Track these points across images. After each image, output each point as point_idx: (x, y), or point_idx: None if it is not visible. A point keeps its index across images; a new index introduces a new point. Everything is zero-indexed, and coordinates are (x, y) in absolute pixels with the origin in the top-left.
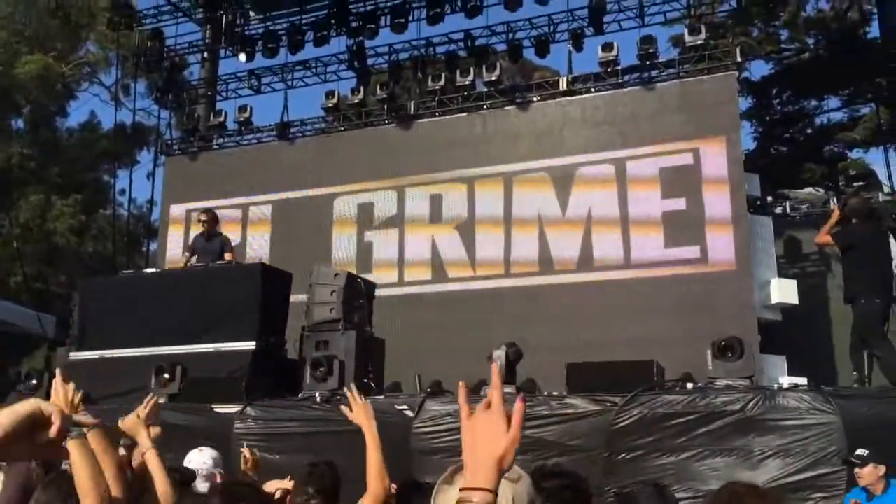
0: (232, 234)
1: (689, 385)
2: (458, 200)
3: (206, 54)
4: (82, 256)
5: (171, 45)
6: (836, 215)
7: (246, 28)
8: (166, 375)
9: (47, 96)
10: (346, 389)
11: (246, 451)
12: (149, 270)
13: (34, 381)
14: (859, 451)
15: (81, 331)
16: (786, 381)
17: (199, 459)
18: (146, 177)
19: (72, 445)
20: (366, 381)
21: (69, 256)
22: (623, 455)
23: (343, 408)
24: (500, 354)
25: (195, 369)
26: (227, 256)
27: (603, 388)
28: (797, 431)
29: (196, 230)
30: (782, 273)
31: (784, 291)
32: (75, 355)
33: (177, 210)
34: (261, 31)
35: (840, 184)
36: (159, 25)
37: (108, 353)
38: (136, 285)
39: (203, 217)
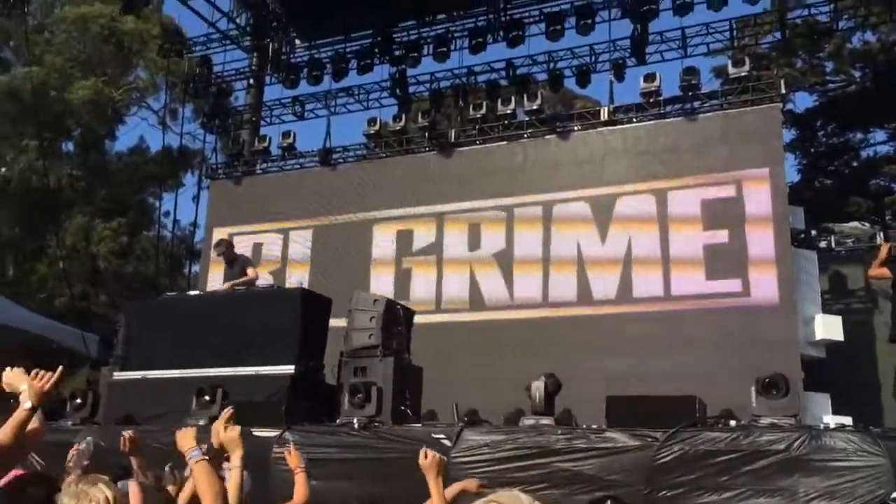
0: (273, 258)
1: (732, 422)
2: (497, 230)
3: (251, 81)
4: (125, 278)
5: (218, 71)
6: (885, 250)
7: (292, 56)
8: (207, 397)
9: (98, 120)
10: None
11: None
12: (192, 293)
13: (78, 401)
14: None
15: (125, 351)
16: (830, 419)
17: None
18: (191, 200)
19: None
20: (403, 408)
21: (111, 277)
22: (664, 492)
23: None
24: (538, 385)
25: (235, 392)
26: (249, 272)
27: (643, 422)
28: (844, 473)
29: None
30: (827, 309)
31: (829, 328)
32: (119, 375)
33: (220, 233)
34: (306, 58)
35: (886, 218)
36: (208, 53)
37: (150, 374)
38: (179, 307)
39: (218, 250)
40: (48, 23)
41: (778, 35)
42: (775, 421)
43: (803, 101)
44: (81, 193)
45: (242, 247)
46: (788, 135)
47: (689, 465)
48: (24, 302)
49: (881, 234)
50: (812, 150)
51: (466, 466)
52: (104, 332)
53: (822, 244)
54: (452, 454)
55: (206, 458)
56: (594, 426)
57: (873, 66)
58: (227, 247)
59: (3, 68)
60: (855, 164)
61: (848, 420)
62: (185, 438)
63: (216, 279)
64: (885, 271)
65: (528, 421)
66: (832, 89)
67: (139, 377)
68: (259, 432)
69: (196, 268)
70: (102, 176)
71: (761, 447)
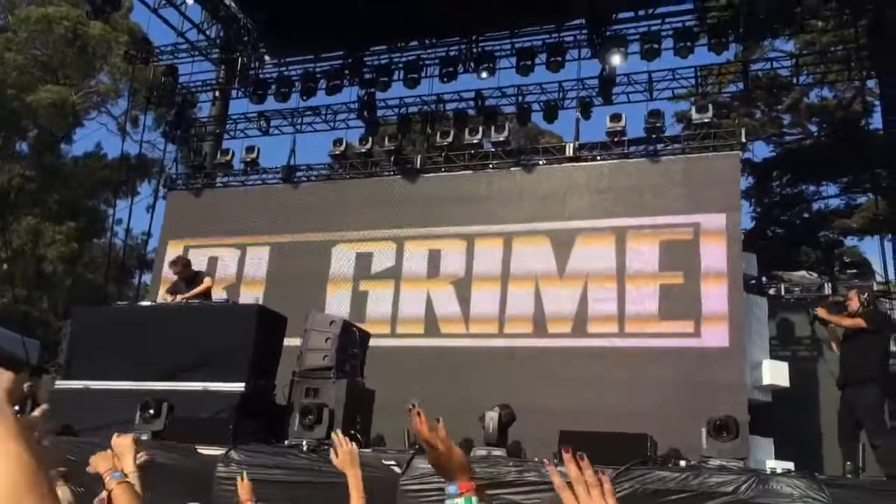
0: (228, 273)
1: (682, 462)
2: (456, 257)
3: (217, 93)
4: (73, 285)
5: (184, 81)
6: (855, 300)
7: (260, 71)
8: (151, 411)
9: (56, 123)
10: (333, 434)
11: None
12: (144, 303)
13: (17, 408)
14: None
15: (69, 359)
16: (773, 464)
17: None
18: (145, 209)
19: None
20: (353, 432)
21: (57, 283)
22: None
23: (331, 453)
24: (492, 416)
25: (181, 407)
26: (206, 281)
27: (595, 458)
28: None
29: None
30: (774, 354)
31: (776, 373)
32: (61, 384)
33: (175, 245)
34: (275, 75)
35: (835, 269)
36: (175, 62)
37: (93, 385)
38: (129, 317)
39: (175, 269)
40: (10, 22)
41: (740, 85)
42: (724, 463)
43: (761, 151)
44: (31, 195)
45: (197, 260)
46: (745, 182)
47: (639, 503)
48: None
49: (829, 285)
50: (766, 199)
51: (416, 495)
52: (46, 339)
53: (772, 291)
54: (402, 481)
55: (127, 479)
56: (545, 460)
57: (829, 121)
58: (183, 265)
59: None
60: (806, 215)
61: (790, 465)
62: (103, 460)
63: (170, 278)
64: (860, 321)
65: (481, 451)
66: (789, 142)
67: (82, 387)
68: (204, 450)
69: (147, 278)
70: (55, 179)
71: (710, 488)
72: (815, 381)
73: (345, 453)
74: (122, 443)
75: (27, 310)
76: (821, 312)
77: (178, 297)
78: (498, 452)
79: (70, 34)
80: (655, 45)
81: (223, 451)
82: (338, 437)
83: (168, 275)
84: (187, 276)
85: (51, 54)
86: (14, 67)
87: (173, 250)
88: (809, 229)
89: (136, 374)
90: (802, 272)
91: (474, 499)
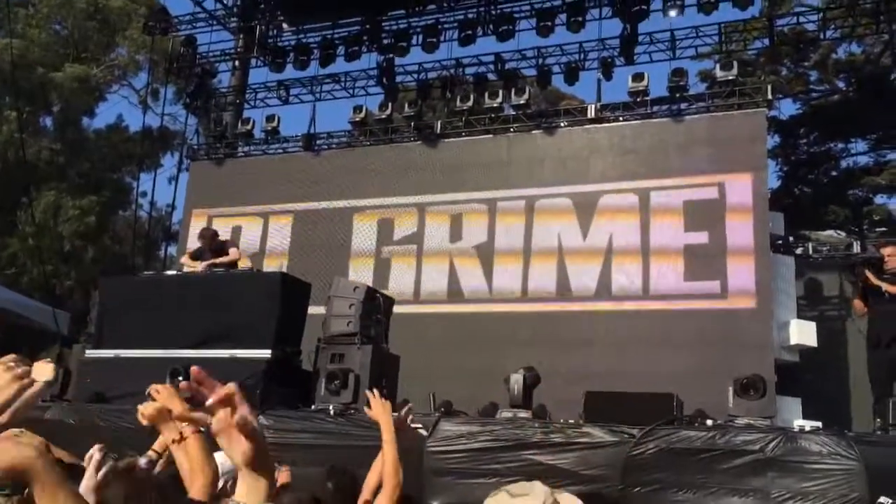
0: (251, 242)
1: (709, 421)
2: (478, 222)
3: (237, 63)
4: (96, 258)
5: (203, 52)
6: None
7: (279, 39)
8: (180, 378)
9: (80, 97)
10: (367, 392)
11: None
12: (169, 272)
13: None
14: (882, 500)
15: (98, 329)
16: (800, 423)
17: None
18: (168, 181)
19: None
20: None
21: (79, 257)
22: (638, 489)
23: (365, 407)
24: (517, 378)
25: (209, 374)
26: (232, 252)
27: (620, 418)
28: (818, 475)
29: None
30: (801, 314)
31: (803, 333)
32: (91, 353)
33: (199, 215)
34: (293, 42)
35: (864, 228)
36: (193, 32)
37: (123, 353)
38: (155, 287)
39: (203, 242)
40: None
41: (765, 42)
42: (751, 421)
43: (787, 109)
44: (57, 168)
45: (222, 230)
46: (771, 141)
47: (664, 462)
48: None
49: (857, 244)
50: (793, 157)
51: (442, 456)
52: (74, 310)
53: (799, 251)
54: (428, 443)
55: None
56: (571, 421)
57: (857, 76)
58: (211, 236)
59: None
60: (834, 173)
61: (818, 424)
62: (163, 412)
63: (195, 247)
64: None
65: (506, 413)
66: (815, 98)
67: (112, 356)
68: None
69: (172, 250)
70: (79, 152)
71: (737, 447)
72: (844, 340)
73: (378, 405)
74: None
75: (55, 283)
76: (871, 278)
77: (202, 264)
78: (523, 414)
79: (91, 7)
80: (679, 2)
81: None
82: (371, 392)
83: (193, 245)
84: (214, 247)
85: (71, 29)
86: (37, 44)
87: (198, 220)
88: (837, 187)
89: (163, 342)
90: (830, 231)
91: None
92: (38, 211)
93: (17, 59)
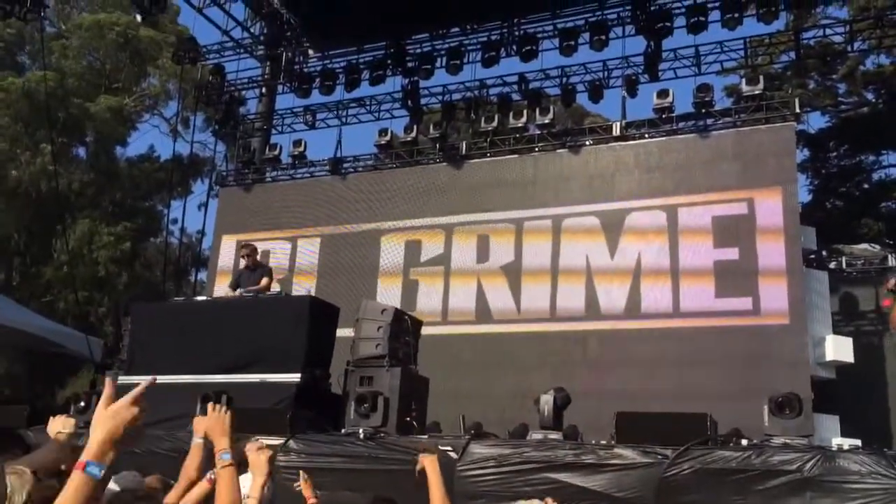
0: (280, 265)
1: (744, 441)
2: (505, 242)
3: (263, 89)
4: (128, 284)
5: (231, 79)
6: None
7: (304, 66)
8: (211, 404)
9: (114, 130)
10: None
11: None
12: (199, 298)
13: (82, 404)
14: None
15: (130, 355)
16: (839, 442)
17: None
18: (198, 207)
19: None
20: (408, 419)
21: (113, 284)
22: None
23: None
24: (547, 399)
25: (240, 399)
26: (264, 281)
27: (653, 439)
28: (857, 495)
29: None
30: (837, 330)
31: (839, 349)
32: (123, 379)
33: (228, 240)
34: (318, 68)
35: None
36: (221, 61)
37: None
38: (186, 312)
39: (245, 251)
40: (64, 29)
41: (792, 55)
42: (788, 441)
43: (815, 122)
44: (90, 197)
45: None
46: (800, 155)
47: (699, 483)
48: (28, 305)
49: (893, 256)
50: (823, 171)
51: (473, 479)
52: (107, 337)
53: (833, 265)
54: (459, 466)
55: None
56: (602, 442)
57: (886, 88)
58: (252, 250)
59: (18, 72)
60: (866, 185)
61: (857, 443)
62: (220, 429)
63: (223, 289)
64: None
65: (537, 435)
66: (844, 111)
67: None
68: (263, 440)
69: (202, 276)
70: (112, 181)
71: (774, 467)
72: (881, 356)
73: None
74: (263, 460)
75: (86, 311)
76: None
77: (238, 292)
78: (554, 436)
79: (121, 39)
80: (702, 18)
81: (282, 441)
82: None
83: (224, 267)
84: (253, 264)
85: (103, 60)
86: (71, 74)
87: (227, 246)
88: (870, 200)
89: (194, 367)
90: (865, 244)
91: None
92: (73, 239)
93: (51, 90)
